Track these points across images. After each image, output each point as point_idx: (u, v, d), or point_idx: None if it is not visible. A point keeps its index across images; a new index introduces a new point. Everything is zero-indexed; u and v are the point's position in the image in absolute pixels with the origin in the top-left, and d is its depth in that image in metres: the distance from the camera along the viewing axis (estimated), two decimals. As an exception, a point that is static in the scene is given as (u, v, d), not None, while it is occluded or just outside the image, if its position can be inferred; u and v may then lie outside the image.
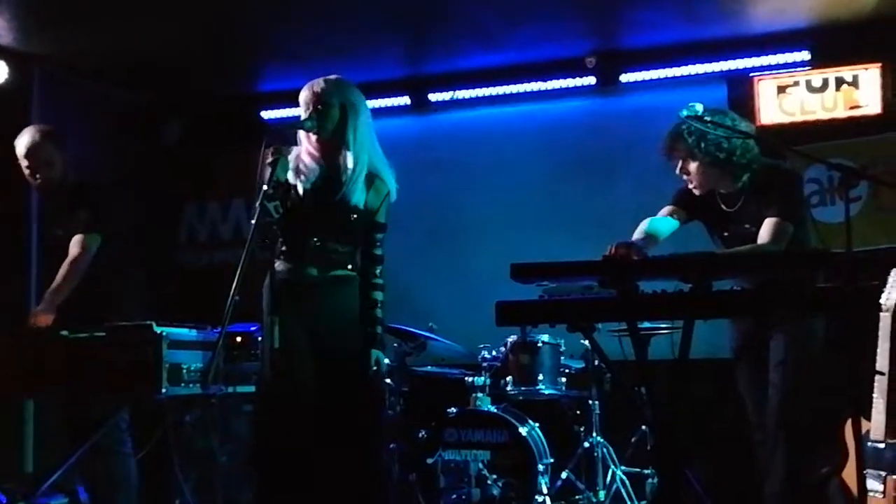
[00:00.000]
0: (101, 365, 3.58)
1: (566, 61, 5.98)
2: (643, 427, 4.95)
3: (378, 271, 3.54)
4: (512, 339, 5.01)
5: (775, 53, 5.63)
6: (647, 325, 4.44)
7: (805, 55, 5.59)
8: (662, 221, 3.61)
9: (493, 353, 5.04)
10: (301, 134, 3.45)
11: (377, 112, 4.05)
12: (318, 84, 3.42)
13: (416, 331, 4.81)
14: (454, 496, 4.18)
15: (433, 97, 6.32)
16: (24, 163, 4.13)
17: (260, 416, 4.02)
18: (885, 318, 3.39)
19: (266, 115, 6.54)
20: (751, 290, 3.16)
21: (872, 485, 3.24)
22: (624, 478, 4.90)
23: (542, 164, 6.05)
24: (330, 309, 3.41)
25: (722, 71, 5.73)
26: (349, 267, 3.47)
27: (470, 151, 6.19)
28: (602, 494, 4.90)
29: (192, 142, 6.68)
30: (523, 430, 4.64)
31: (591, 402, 5.02)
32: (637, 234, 3.50)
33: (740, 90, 5.68)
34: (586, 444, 4.98)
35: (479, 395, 4.86)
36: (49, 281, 4.10)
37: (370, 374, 3.46)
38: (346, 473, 3.36)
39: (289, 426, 3.31)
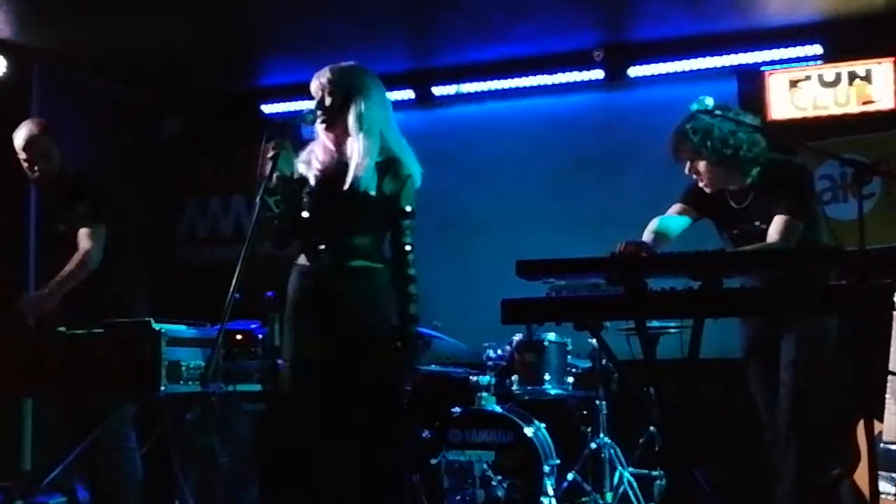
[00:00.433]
0: (100, 362, 3.55)
1: (573, 55, 5.93)
2: (651, 428, 4.89)
3: (408, 262, 3.38)
4: (518, 337, 4.96)
5: (787, 47, 5.56)
6: (655, 323, 4.39)
7: (817, 49, 5.52)
8: (672, 220, 3.58)
9: (499, 351, 4.99)
10: (316, 127, 3.39)
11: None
12: (324, 73, 3.36)
13: (421, 329, 4.74)
14: (458, 497, 4.14)
15: (437, 91, 6.27)
16: (22, 155, 4.12)
17: (268, 416, 3.98)
18: (899, 318, 3.34)
19: (267, 109, 6.49)
20: (762, 289, 3.12)
21: (884, 487, 3.20)
22: (632, 479, 4.84)
23: (548, 159, 5.99)
24: (346, 302, 3.31)
25: (732, 65, 5.66)
26: (368, 258, 3.34)
27: (475, 146, 6.14)
28: (609, 496, 4.84)
29: (192, 137, 6.65)
30: (529, 431, 4.59)
31: (598, 402, 4.96)
32: (647, 234, 3.46)
33: (751, 85, 5.62)
34: (593, 445, 4.91)
35: (484, 394, 4.81)
36: (47, 276, 4.08)
37: (391, 373, 3.35)
38: (358, 473, 3.27)
39: (296, 426, 3.29)
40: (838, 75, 5.48)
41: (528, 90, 6.11)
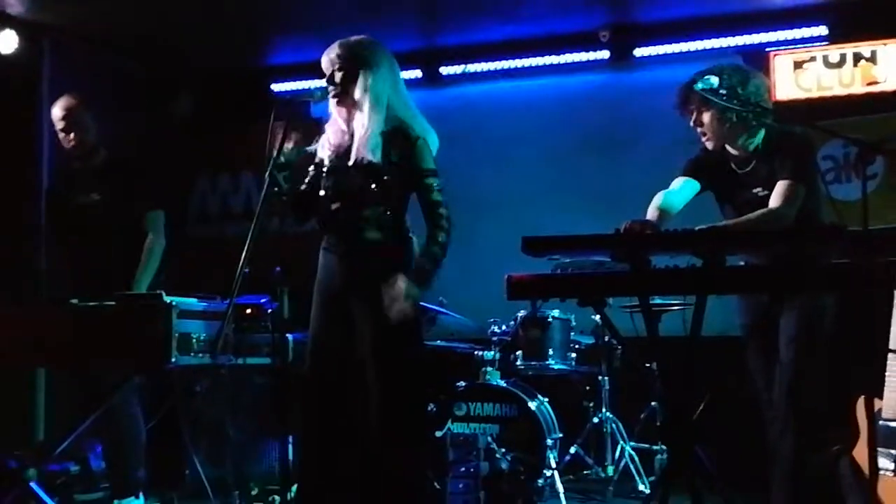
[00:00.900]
0: (111, 334, 3.58)
1: (579, 35, 5.93)
2: (653, 403, 4.96)
3: (440, 214, 3.27)
4: (522, 313, 5.01)
5: (792, 28, 5.57)
6: (658, 300, 4.42)
7: (822, 30, 5.52)
8: (675, 194, 3.55)
9: (503, 327, 5.04)
10: (329, 104, 3.40)
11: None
12: (334, 48, 3.36)
13: (427, 305, 4.80)
14: (462, 469, 4.19)
15: (445, 70, 6.28)
16: (59, 124, 4.25)
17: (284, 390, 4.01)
18: (900, 296, 3.37)
19: (277, 87, 6.51)
20: (764, 266, 3.14)
21: (883, 463, 3.23)
22: (633, 453, 4.91)
23: (554, 139, 6.02)
24: (359, 278, 3.29)
25: (737, 45, 5.66)
26: (383, 232, 3.30)
27: (482, 125, 6.16)
28: (611, 470, 4.91)
29: (203, 114, 6.66)
30: (532, 405, 4.65)
31: (600, 377, 5.02)
32: (651, 210, 3.44)
33: (756, 65, 5.47)
34: (595, 420, 4.99)
35: (489, 369, 4.87)
36: (64, 245, 4.21)
37: (405, 353, 3.29)
38: (378, 440, 3.27)
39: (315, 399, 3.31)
40: (843, 56, 5.47)
41: (535, 70, 6.12)
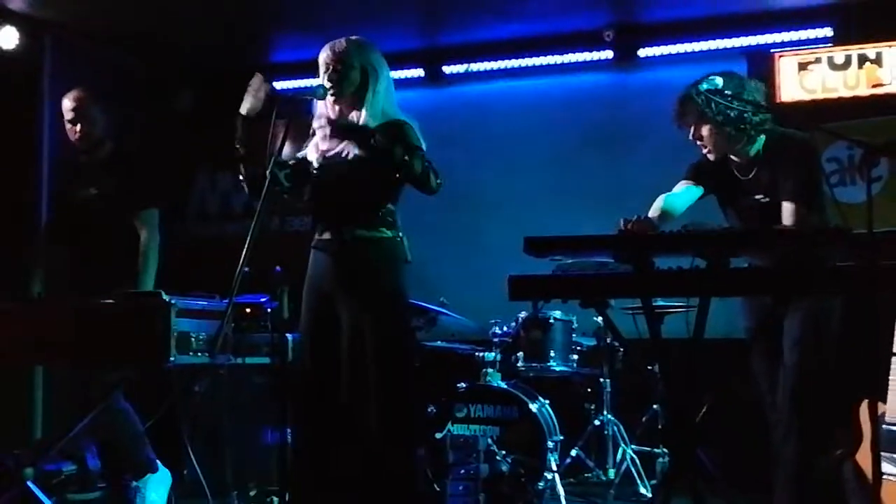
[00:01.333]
0: (110, 332, 3.56)
1: (583, 34, 5.92)
2: (654, 406, 4.93)
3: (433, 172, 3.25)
4: (524, 314, 4.98)
5: (797, 29, 5.55)
6: (661, 302, 4.40)
7: (827, 31, 5.50)
8: (677, 197, 3.55)
9: (505, 328, 5.02)
10: (318, 103, 3.41)
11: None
12: (340, 44, 3.37)
13: (427, 305, 4.78)
14: (462, 471, 4.17)
15: (448, 69, 6.27)
16: (68, 115, 4.27)
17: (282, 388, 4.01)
18: (905, 299, 3.34)
19: (278, 85, 6.47)
20: (768, 269, 3.12)
21: (887, 468, 3.21)
22: (634, 456, 4.89)
23: (557, 139, 6.00)
24: (349, 274, 3.32)
25: (742, 46, 5.65)
26: (372, 227, 3.32)
27: (484, 125, 6.14)
28: (612, 473, 4.89)
29: (203, 112, 6.64)
30: (533, 407, 4.63)
31: (602, 379, 5.00)
32: (653, 211, 3.44)
33: (761, 66, 5.58)
34: (597, 422, 4.97)
35: (490, 370, 4.84)
36: (61, 242, 4.27)
37: (397, 351, 3.31)
38: (374, 437, 3.27)
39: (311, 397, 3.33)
40: (848, 58, 5.45)
41: (538, 69, 6.10)
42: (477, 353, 4.99)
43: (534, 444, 4.56)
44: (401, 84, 5.97)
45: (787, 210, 3.33)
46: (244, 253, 3.03)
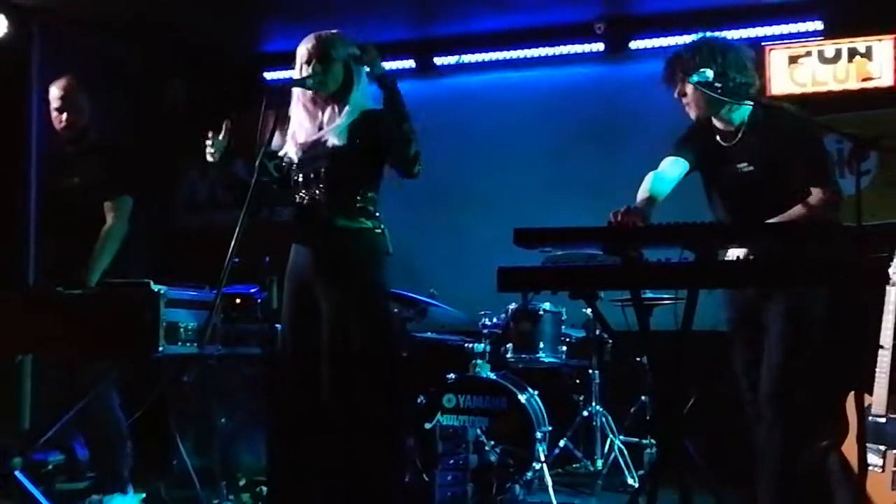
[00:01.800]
0: (97, 322, 3.54)
1: (574, 27, 5.92)
2: (643, 397, 4.96)
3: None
4: (513, 306, 4.99)
5: (787, 23, 5.56)
6: (650, 294, 4.41)
7: (818, 25, 5.51)
8: (665, 177, 3.45)
9: (494, 320, 5.03)
10: (295, 91, 3.39)
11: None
12: (320, 37, 3.36)
13: (417, 297, 4.79)
14: (451, 462, 4.18)
15: (439, 61, 6.26)
16: (55, 103, 4.23)
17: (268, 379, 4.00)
18: (891, 292, 3.36)
19: (269, 76, 6.47)
20: (756, 261, 3.12)
21: (872, 459, 3.24)
22: (622, 447, 4.92)
23: (548, 131, 5.99)
24: (329, 265, 3.31)
25: (732, 39, 5.62)
26: (352, 218, 3.31)
27: (475, 117, 6.14)
28: (600, 463, 4.91)
29: (194, 102, 6.62)
30: (522, 398, 4.64)
31: (591, 371, 5.02)
32: (640, 194, 3.39)
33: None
34: (585, 413, 4.99)
35: (479, 361, 4.85)
36: (51, 232, 4.13)
37: (377, 342, 3.29)
38: (357, 428, 3.27)
39: (294, 387, 3.32)
40: (838, 51, 5.47)
41: (530, 61, 6.11)
42: (466, 345, 5.00)
43: (522, 435, 4.57)
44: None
45: (817, 195, 3.26)
46: (233, 243, 3.03)
